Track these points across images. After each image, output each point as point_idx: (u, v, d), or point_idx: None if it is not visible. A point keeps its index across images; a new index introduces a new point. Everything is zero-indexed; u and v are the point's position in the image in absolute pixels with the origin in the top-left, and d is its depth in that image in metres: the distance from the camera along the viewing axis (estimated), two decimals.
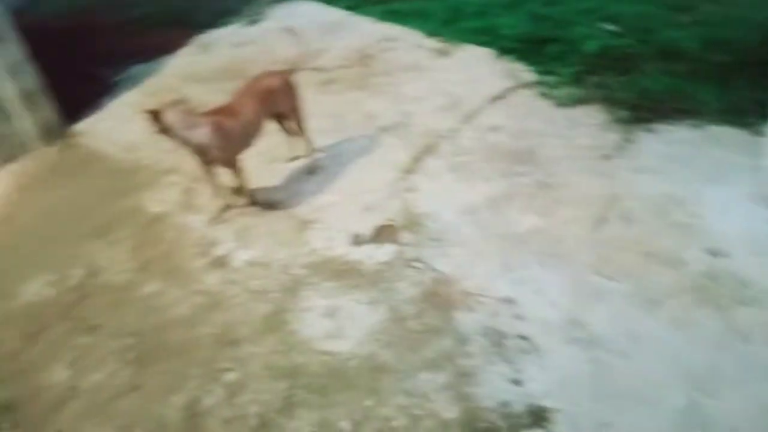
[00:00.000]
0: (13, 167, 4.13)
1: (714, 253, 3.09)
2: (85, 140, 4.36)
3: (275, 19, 5.77)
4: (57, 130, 4.35)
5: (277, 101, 3.48)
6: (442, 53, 4.97)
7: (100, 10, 6.36)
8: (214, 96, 4.57)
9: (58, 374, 2.88)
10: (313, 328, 2.97)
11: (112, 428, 2.65)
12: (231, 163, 3.41)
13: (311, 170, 3.86)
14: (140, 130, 4.29)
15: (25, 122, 4.17)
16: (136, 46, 5.45)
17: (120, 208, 3.74)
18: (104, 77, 5.06)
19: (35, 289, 3.30)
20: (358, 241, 3.40)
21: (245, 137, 3.40)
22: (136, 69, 5.15)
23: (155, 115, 3.03)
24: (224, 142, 3.25)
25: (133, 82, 4.97)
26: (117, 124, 4.48)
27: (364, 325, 2.96)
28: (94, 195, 3.86)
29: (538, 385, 2.65)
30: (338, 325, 2.98)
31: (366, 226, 3.48)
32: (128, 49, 5.42)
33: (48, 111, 4.28)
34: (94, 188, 3.91)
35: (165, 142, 4.18)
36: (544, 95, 4.38)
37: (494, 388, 2.66)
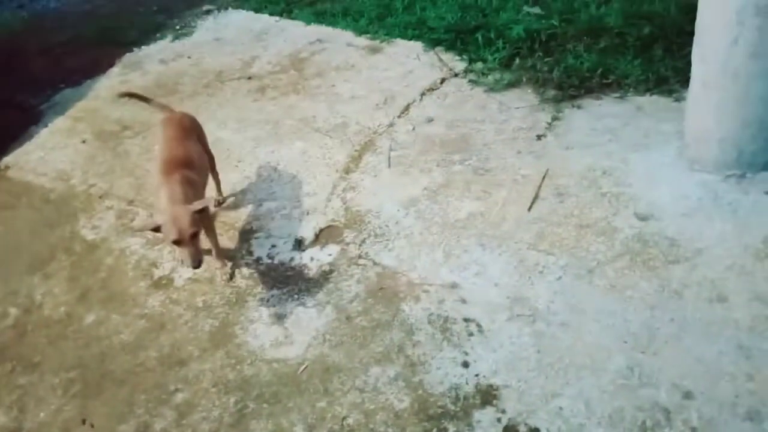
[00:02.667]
0: None
1: (643, 217, 3.17)
2: (15, 173, 4.23)
3: (205, 30, 5.69)
4: None
5: (201, 136, 3.47)
6: (374, 50, 4.98)
7: (23, 35, 6.17)
8: (147, 114, 4.52)
9: (1, 418, 2.79)
10: (261, 337, 2.96)
11: None
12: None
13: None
14: (70, 156, 4.25)
15: None
16: (64, 70, 5.31)
17: (54, 239, 3.64)
18: (31, 105, 4.93)
19: None
20: (301, 245, 3.40)
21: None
22: (64, 93, 5.02)
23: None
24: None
25: (62, 107, 4.84)
26: (47, 153, 4.36)
27: (312, 328, 2.95)
28: (27, 228, 3.75)
29: (486, 364, 2.69)
30: (286, 332, 2.97)
31: (309, 229, 3.47)
32: (55, 74, 5.28)
33: None
34: (26, 221, 3.80)
35: (97, 167, 4.14)
36: (474, 83, 4.42)
37: (444, 373, 2.69)
